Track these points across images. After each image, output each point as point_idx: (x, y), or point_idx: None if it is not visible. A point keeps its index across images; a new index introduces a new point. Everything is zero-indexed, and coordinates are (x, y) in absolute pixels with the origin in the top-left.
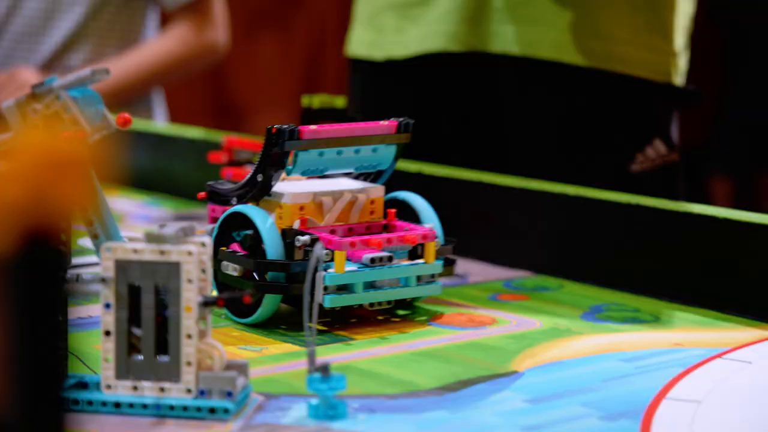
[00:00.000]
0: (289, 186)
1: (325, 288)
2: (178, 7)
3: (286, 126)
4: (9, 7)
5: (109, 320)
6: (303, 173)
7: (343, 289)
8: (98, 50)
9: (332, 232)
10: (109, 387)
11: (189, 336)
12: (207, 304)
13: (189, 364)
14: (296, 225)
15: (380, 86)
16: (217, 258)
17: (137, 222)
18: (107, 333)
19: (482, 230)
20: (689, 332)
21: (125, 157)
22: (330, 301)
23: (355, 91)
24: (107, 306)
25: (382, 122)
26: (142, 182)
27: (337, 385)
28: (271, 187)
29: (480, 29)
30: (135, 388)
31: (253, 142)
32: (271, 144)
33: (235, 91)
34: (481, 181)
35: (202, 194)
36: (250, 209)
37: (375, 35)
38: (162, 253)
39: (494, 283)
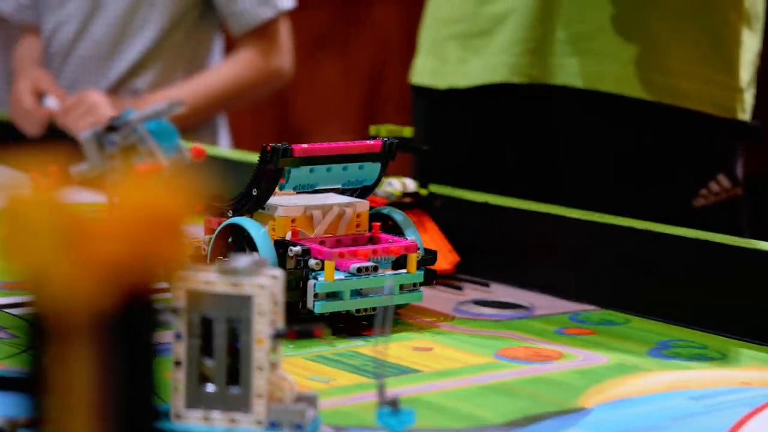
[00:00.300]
0: (282, 200)
1: (316, 295)
2: (244, 33)
3: (279, 144)
4: (77, 31)
5: (179, 350)
6: (294, 188)
7: (332, 296)
8: (165, 74)
9: (322, 243)
10: (178, 416)
11: (260, 368)
12: (278, 336)
13: (260, 396)
14: (288, 236)
15: (443, 115)
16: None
17: None
18: (177, 363)
19: (547, 262)
20: (757, 371)
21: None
22: (320, 308)
23: (419, 118)
24: (178, 336)
25: (368, 141)
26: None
27: (406, 419)
28: (265, 200)
29: (542, 61)
30: (205, 418)
31: None
32: (265, 161)
33: (298, 113)
34: (548, 213)
35: (199, 206)
36: (245, 221)
37: (438, 64)
38: (234, 285)
39: (560, 317)
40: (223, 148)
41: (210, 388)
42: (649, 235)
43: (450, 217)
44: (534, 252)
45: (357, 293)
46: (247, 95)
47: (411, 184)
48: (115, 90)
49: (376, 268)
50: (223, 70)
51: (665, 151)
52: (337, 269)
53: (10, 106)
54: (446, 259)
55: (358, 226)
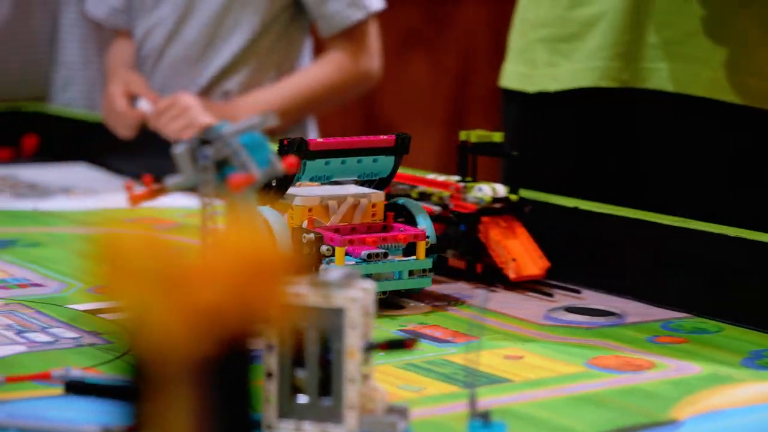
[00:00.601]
0: (301, 190)
1: None
2: (334, 35)
3: (295, 138)
4: (169, 34)
5: (271, 361)
6: (311, 179)
7: None
8: (256, 76)
9: (336, 231)
10: (270, 427)
11: (352, 380)
12: (370, 348)
13: (351, 407)
14: (305, 224)
15: (533, 119)
16: None
17: None
18: (269, 374)
19: (639, 268)
20: None
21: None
22: None
23: (508, 122)
24: (269, 347)
25: (381, 136)
26: None
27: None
28: (284, 191)
29: (633, 66)
30: (297, 429)
31: (410, 176)
32: (283, 153)
33: (385, 110)
34: (639, 218)
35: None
36: (265, 210)
37: (527, 69)
38: (326, 298)
39: (652, 324)
40: None
41: (302, 399)
42: (742, 243)
43: (540, 223)
44: (625, 258)
45: (368, 278)
46: (336, 97)
47: (501, 190)
48: (207, 92)
49: (386, 255)
50: (312, 72)
51: (759, 156)
52: (349, 255)
53: (102, 108)
54: (536, 265)
55: (373, 215)
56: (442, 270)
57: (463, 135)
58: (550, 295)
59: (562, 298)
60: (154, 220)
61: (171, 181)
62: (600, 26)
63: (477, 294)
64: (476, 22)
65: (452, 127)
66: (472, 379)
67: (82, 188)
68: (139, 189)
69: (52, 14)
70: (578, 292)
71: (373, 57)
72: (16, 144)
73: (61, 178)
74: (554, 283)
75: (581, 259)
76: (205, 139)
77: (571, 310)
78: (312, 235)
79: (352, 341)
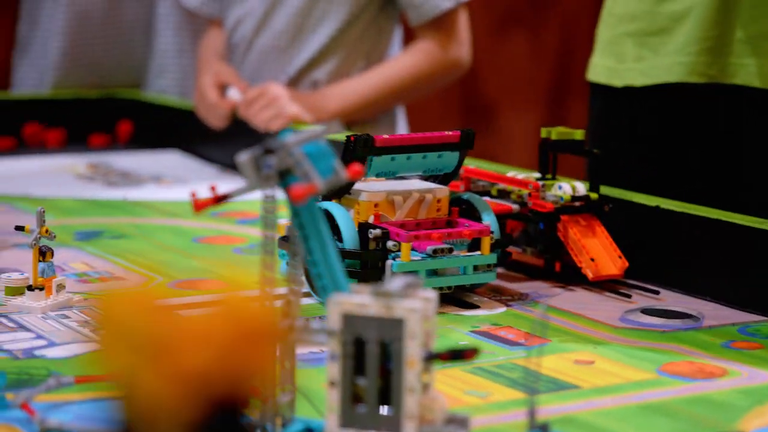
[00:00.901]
0: (366, 185)
1: (393, 274)
2: (423, 23)
3: (361, 135)
4: (259, 22)
5: (333, 371)
6: (377, 175)
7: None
8: (345, 65)
9: (402, 226)
10: None
11: (411, 390)
12: (430, 358)
13: (411, 417)
14: (371, 220)
15: (619, 113)
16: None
17: None
18: (332, 383)
19: (719, 269)
20: None
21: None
22: None
23: (595, 116)
24: (333, 357)
25: (446, 132)
26: None
27: None
28: (350, 186)
29: (721, 61)
30: None
31: (490, 173)
32: (349, 150)
33: (485, 91)
34: (720, 219)
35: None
36: (331, 205)
37: (614, 63)
38: (387, 308)
39: (729, 328)
40: None
41: (362, 408)
42: None
43: (621, 221)
44: (706, 258)
45: (433, 273)
46: (424, 86)
47: (581, 188)
48: (296, 82)
49: (450, 250)
50: (401, 62)
51: None
52: (414, 251)
53: (194, 100)
54: (615, 265)
55: (438, 210)
56: (518, 267)
57: (543, 132)
58: (629, 296)
59: (640, 299)
60: (238, 213)
61: (234, 188)
62: (688, 21)
63: (536, 311)
64: (578, 3)
65: (552, 110)
66: (532, 389)
67: (173, 177)
68: (203, 196)
69: (147, 3)
70: (657, 292)
71: (462, 46)
72: (111, 130)
73: (153, 166)
74: (633, 283)
75: (661, 259)
76: (268, 149)
77: (647, 312)
78: (378, 231)
79: (412, 351)
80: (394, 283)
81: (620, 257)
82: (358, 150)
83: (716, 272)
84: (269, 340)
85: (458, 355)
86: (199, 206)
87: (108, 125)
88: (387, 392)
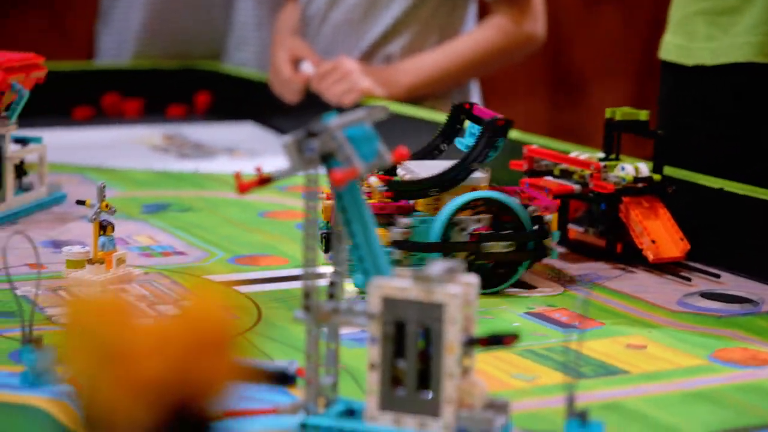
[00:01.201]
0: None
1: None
2: None
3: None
4: None
5: (374, 354)
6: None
7: None
8: (418, 40)
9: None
10: (372, 418)
11: (450, 375)
12: (470, 343)
13: (449, 402)
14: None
15: (689, 92)
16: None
17: None
18: (372, 366)
19: None
20: None
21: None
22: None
23: (665, 95)
24: (373, 340)
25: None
26: None
27: None
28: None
29: None
30: (397, 421)
31: (553, 153)
32: (497, 133)
33: (574, 65)
34: None
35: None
36: (499, 195)
37: (685, 41)
38: (427, 293)
39: None
40: None
41: (402, 391)
42: None
43: (684, 203)
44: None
45: None
46: (499, 61)
47: (645, 169)
48: (369, 56)
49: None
50: (475, 36)
51: None
52: None
53: (269, 75)
54: (677, 247)
55: None
56: (580, 248)
57: (608, 112)
58: (689, 279)
59: (701, 282)
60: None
61: (278, 171)
62: (758, 1)
63: (578, 297)
64: None
65: (644, 82)
66: (573, 374)
67: (246, 149)
68: (248, 177)
69: None
70: (718, 276)
71: (537, 20)
72: (189, 101)
73: (228, 138)
74: (694, 265)
75: (724, 242)
76: (311, 131)
77: (706, 296)
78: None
79: (452, 336)
80: (435, 267)
81: (682, 239)
82: (506, 134)
83: None
84: (227, 349)
85: (498, 340)
86: (243, 188)
87: (186, 96)
88: (427, 376)
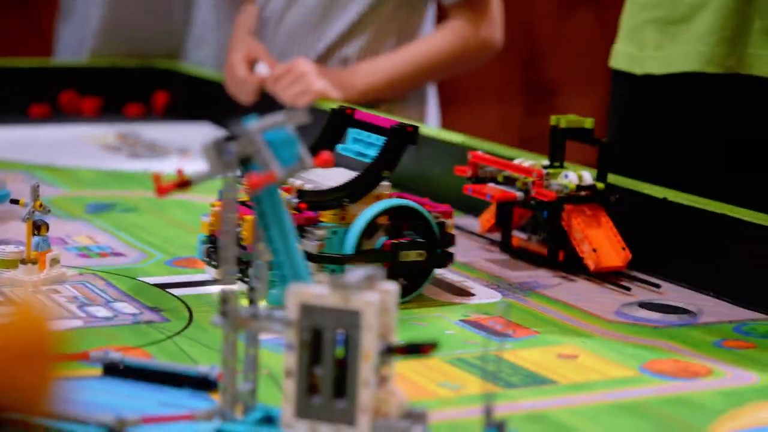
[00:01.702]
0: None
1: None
2: (455, 3)
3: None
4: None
5: (290, 361)
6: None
7: None
8: (375, 43)
9: None
10: (288, 426)
11: (366, 383)
12: (387, 351)
13: (364, 411)
14: None
15: (638, 100)
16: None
17: None
18: (288, 373)
19: (724, 265)
20: None
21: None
22: None
23: (615, 104)
24: (289, 347)
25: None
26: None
27: None
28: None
29: (738, 51)
30: (313, 429)
31: (497, 159)
32: (405, 141)
33: (546, 70)
34: (727, 214)
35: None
36: (413, 204)
37: (636, 50)
38: (345, 300)
39: (724, 326)
40: (432, 117)
41: (318, 399)
42: None
43: (627, 212)
44: (711, 253)
45: None
46: (456, 66)
47: (588, 177)
48: (325, 57)
49: None
50: (432, 40)
51: None
52: None
53: (225, 76)
54: (618, 256)
55: None
56: (523, 255)
57: (553, 120)
58: (628, 288)
59: (641, 292)
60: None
61: (196, 174)
62: (708, 10)
63: (499, 304)
64: None
65: None
66: (491, 384)
67: (199, 150)
68: (166, 180)
69: None
70: (658, 286)
71: (495, 26)
72: (147, 100)
73: (182, 138)
74: (635, 275)
75: (667, 252)
76: (230, 135)
77: (645, 306)
78: None
79: (368, 344)
80: (354, 274)
81: (624, 249)
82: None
83: (721, 267)
84: (48, 358)
85: (415, 349)
86: (162, 190)
87: (144, 95)
88: (343, 384)
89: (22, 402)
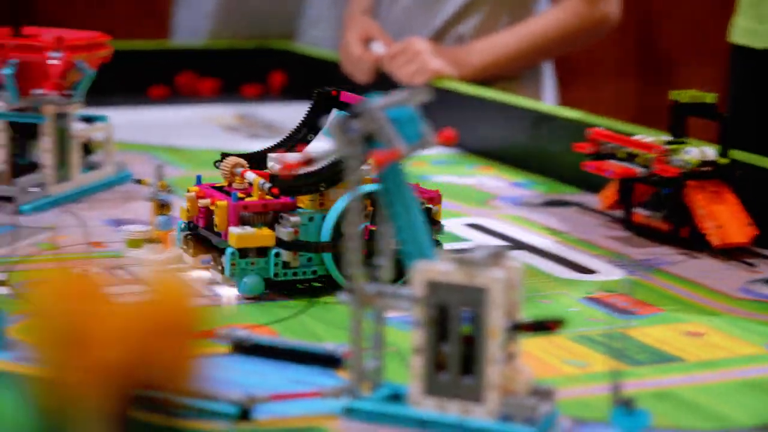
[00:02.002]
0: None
1: None
2: None
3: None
4: None
5: (418, 338)
6: None
7: None
8: (490, 20)
9: None
10: (416, 403)
11: (493, 360)
12: (514, 329)
13: (492, 388)
14: None
15: (758, 77)
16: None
17: (506, 203)
18: (416, 350)
19: None
20: None
21: None
22: None
23: (736, 79)
24: (417, 324)
25: None
26: (517, 161)
27: (640, 420)
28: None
29: None
30: (441, 406)
31: (619, 136)
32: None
33: (663, 42)
34: None
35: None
36: None
37: (756, 24)
38: (470, 276)
39: None
40: (549, 94)
41: (445, 376)
42: None
43: (753, 187)
44: None
45: None
46: (571, 42)
47: (710, 153)
48: (440, 36)
49: None
50: (548, 17)
51: None
52: None
53: (340, 55)
54: (743, 232)
55: None
56: (645, 232)
57: (674, 95)
58: (753, 265)
59: (766, 269)
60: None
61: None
62: None
63: (623, 281)
64: None
65: None
66: (618, 361)
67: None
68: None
69: None
70: None
71: (610, 1)
72: (264, 81)
73: (298, 118)
74: (762, 252)
75: None
76: (354, 112)
77: None
78: None
79: (495, 321)
80: (480, 251)
81: (749, 225)
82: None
83: None
84: (187, 335)
85: (542, 326)
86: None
87: (261, 76)
88: (470, 361)
89: (161, 379)
